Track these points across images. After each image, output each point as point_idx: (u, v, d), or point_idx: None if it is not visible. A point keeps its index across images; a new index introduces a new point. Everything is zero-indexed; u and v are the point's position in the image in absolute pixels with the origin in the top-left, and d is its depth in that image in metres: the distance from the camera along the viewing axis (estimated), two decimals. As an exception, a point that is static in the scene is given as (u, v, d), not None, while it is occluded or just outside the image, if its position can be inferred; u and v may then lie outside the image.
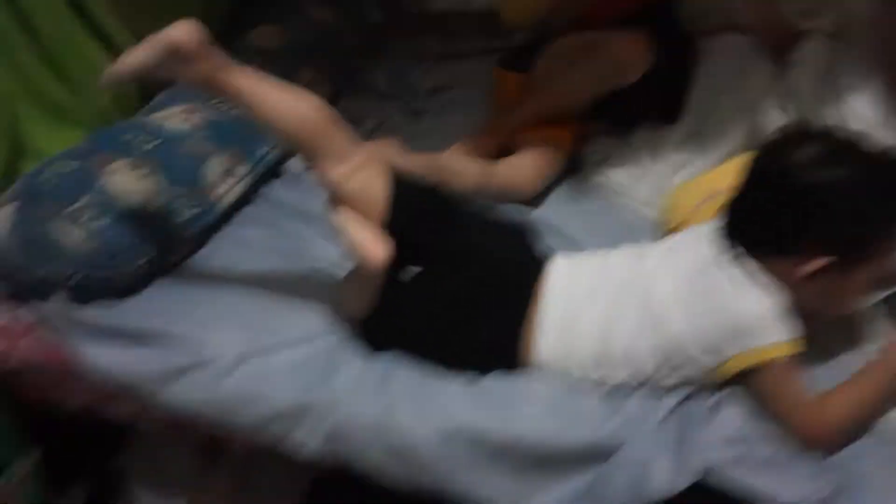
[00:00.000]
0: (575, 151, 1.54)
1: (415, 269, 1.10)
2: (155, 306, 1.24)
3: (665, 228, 1.30)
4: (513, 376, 1.07)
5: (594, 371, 1.04)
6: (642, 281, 1.05)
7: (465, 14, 2.38)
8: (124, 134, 1.35)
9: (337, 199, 1.08)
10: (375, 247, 1.04)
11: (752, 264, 0.99)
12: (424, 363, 1.10)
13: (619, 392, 1.04)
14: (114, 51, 1.59)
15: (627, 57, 1.39)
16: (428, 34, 2.21)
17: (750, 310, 0.97)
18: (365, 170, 1.07)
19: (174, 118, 1.43)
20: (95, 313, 1.20)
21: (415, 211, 1.08)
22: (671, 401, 1.01)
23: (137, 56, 1.04)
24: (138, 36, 1.61)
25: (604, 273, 1.08)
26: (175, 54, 1.01)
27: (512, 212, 1.34)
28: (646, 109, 1.56)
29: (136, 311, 1.23)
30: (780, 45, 1.46)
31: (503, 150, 1.55)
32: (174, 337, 1.15)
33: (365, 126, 1.76)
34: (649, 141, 1.53)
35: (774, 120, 1.39)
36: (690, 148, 1.48)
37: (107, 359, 1.14)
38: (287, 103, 1.06)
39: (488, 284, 1.08)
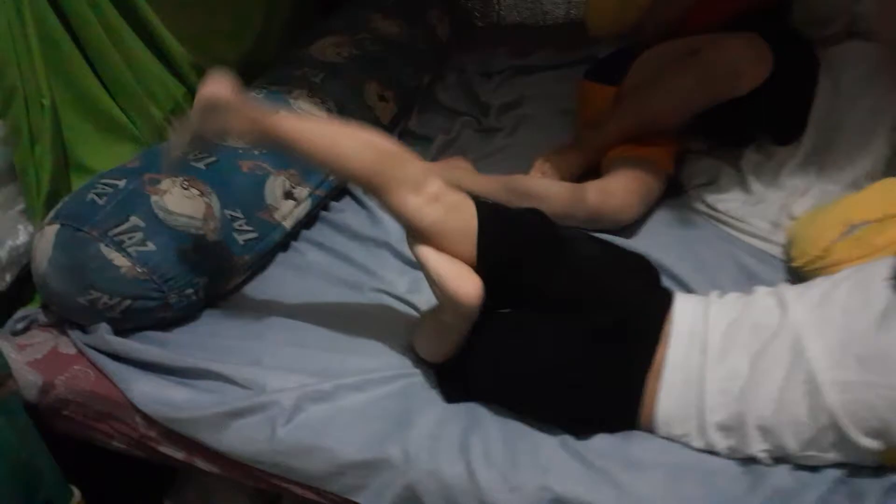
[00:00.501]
0: (675, 173, 1.36)
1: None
2: (206, 340, 1.12)
3: (796, 266, 1.10)
4: (622, 437, 0.90)
5: (722, 439, 0.86)
6: (789, 336, 0.84)
7: (538, 27, 2.26)
8: (178, 150, 1.24)
9: (417, 232, 0.93)
10: (467, 283, 0.89)
11: None
12: (514, 415, 0.94)
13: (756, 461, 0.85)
14: (171, 66, 1.51)
15: (743, 61, 1.21)
16: (498, 48, 2.08)
17: None
18: (446, 198, 0.92)
19: (231, 134, 1.32)
20: (142, 346, 1.09)
21: (514, 241, 0.93)
22: (834, 473, 0.82)
23: (182, 131, 1.05)
24: (193, 49, 1.56)
25: (741, 323, 0.89)
26: (213, 110, 0.96)
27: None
28: (758, 126, 1.37)
29: (187, 344, 1.11)
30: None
31: (589, 172, 1.39)
32: (227, 377, 1.02)
33: (434, 143, 1.63)
34: (762, 163, 1.34)
35: (915, 140, 1.19)
36: (811, 172, 1.29)
37: (155, 397, 1.02)
38: (343, 140, 0.94)
39: (605, 326, 0.90)
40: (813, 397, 0.81)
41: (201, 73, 1.55)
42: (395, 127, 1.71)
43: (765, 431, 0.83)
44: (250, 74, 1.63)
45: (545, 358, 0.92)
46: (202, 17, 1.61)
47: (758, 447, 0.84)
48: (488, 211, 0.94)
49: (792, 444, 0.82)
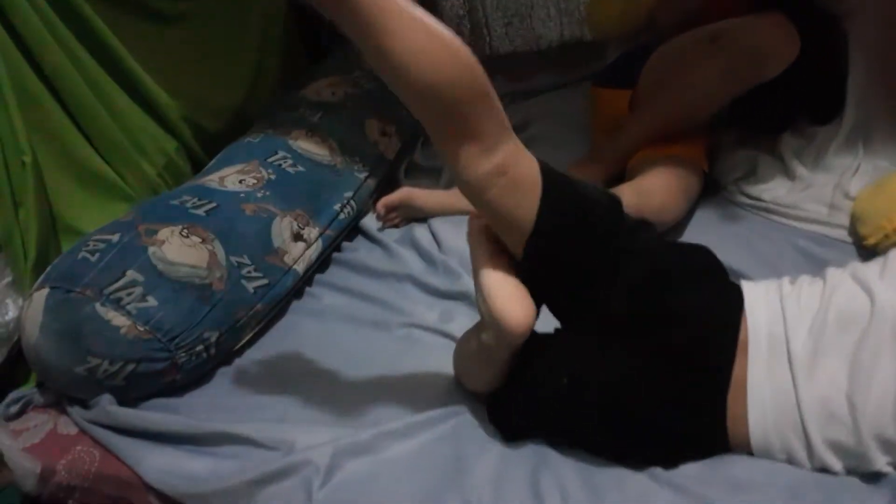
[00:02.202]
0: (709, 170, 1.26)
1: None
2: (223, 401, 1.01)
3: (869, 244, 0.99)
4: (718, 460, 0.76)
5: (836, 460, 0.73)
6: (886, 323, 0.72)
7: (532, 53, 2.20)
8: (173, 200, 1.14)
9: (466, 196, 0.80)
10: (518, 308, 0.76)
11: None
12: (585, 448, 0.81)
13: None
14: (161, 119, 1.43)
15: (769, 43, 1.12)
16: (493, 76, 2.02)
17: None
18: (514, 170, 0.76)
19: (230, 178, 1.23)
20: (151, 415, 0.97)
21: (575, 229, 0.79)
22: None
23: None
24: (184, 101, 1.48)
25: (825, 315, 0.76)
26: None
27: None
28: (793, 108, 1.28)
29: (202, 408, 1.00)
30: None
31: (611, 183, 1.29)
32: (250, 439, 0.89)
33: (443, 174, 1.54)
34: (803, 147, 1.24)
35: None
36: (858, 149, 1.19)
37: (170, 471, 0.89)
38: (439, 46, 0.72)
39: (674, 343, 0.77)
40: None
41: (193, 125, 1.48)
42: (401, 161, 1.62)
43: (886, 443, 0.70)
44: (244, 123, 1.56)
45: (610, 384, 0.79)
46: (191, 68, 1.55)
47: (882, 462, 0.71)
48: (555, 200, 0.77)
49: None
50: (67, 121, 1.21)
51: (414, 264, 1.23)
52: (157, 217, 1.08)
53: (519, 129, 1.70)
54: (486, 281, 0.78)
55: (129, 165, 1.32)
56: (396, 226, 1.38)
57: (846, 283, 0.80)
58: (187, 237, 1.05)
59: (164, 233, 1.04)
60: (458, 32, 2.18)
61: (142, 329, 0.96)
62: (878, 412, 0.71)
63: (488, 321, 0.79)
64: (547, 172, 0.79)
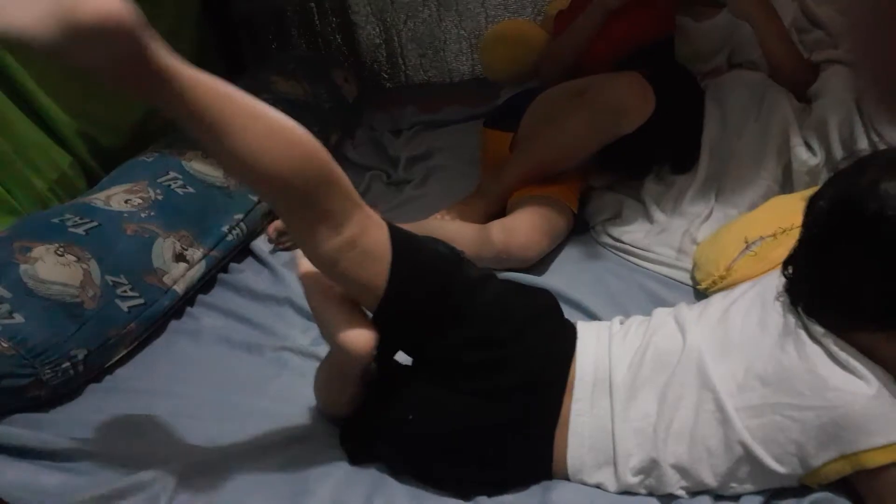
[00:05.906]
0: (580, 211, 1.35)
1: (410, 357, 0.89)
2: (87, 418, 1.01)
3: (702, 288, 1.09)
4: (540, 487, 0.84)
5: (639, 483, 0.81)
6: (692, 362, 0.81)
7: (444, 85, 2.29)
8: (54, 217, 1.16)
9: (320, 269, 0.84)
10: (358, 332, 0.81)
11: (834, 338, 0.75)
12: (421, 474, 0.87)
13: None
14: (55, 134, 1.44)
15: (627, 100, 1.22)
16: (406, 106, 2.09)
17: (848, 401, 0.72)
18: (364, 240, 0.79)
19: (116, 198, 1.25)
20: (10, 430, 0.97)
21: (422, 290, 0.83)
22: (756, 498, 0.78)
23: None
24: (80, 116, 1.49)
25: (645, 352, 0.84)
26: (102, 37, 0.64)
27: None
28: (653, 158, 1.39)
29: (64, 424, 1.00)
30: (797, 79, 1.31)
31: (495, 216, 1.37)
32: (104, 455, 0.92)
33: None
34: (663, 193, 1.35)
35: (802, 158, 1.22)
36: (710, 198, 1.30)
37: (24, 486, 0.90)
38: (278, 135, 0.74)
39: (510, 386, 0.83)
40: (725, 427, 0.77)
41: (89, 141, 1.49)
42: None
43: (681, 470, 0.79)
44: (146, 140, 1.57)
45: (451, 426, 0.84)
46: (88, 83, 1.56)
47: (676, 486, 0.80)
48: (403, 267, 0.81)
49: (710, 480, 0.78)
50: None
51: (296, 287, 1.27)
52: (34, 234, 1.09)
53: (422, 159, 1.81)
54: (324, 313, 0.84)
55: (17, 179, 1.33)
56: (287, 249, 1.42)
57: (668, 323, 0.88)
58: (62, 255, 1.07)
59: (38, 251, 1.06)
60: (374, 61, 2.26)
61: (6, 345, 0.97)
62: (677, 444, 0.79)
63: (334, 349, 0.85)
64: (395, 236, 0.82)
